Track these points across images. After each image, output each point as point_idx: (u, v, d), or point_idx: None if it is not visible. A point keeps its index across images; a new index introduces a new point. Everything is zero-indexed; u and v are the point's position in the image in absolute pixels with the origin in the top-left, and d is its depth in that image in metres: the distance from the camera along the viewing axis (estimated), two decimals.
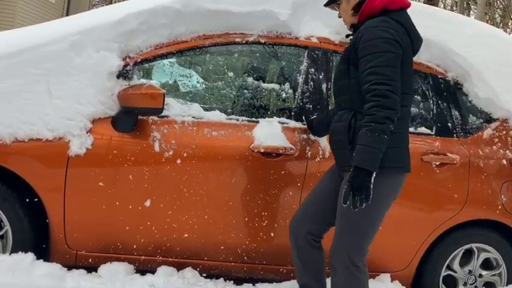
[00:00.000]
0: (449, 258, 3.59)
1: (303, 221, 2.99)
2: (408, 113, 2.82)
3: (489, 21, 18.91)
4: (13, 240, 3.13)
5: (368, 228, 2.73)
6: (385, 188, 2.69)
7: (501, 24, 20.41)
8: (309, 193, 3.09)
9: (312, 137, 3.41)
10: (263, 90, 3.55)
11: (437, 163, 3.52)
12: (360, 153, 2.56)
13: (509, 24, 20.99)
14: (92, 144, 3.15)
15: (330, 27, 3.62)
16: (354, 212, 2.60)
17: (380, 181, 2.60)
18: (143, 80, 3.40)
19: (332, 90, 3.26)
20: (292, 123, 3.43)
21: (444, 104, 3.69)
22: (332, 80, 3.08)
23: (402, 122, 2.71)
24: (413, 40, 2.78)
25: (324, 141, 3.39)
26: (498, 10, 21.08)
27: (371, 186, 2.54)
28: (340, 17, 2.97)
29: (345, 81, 2.77)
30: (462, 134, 3.66)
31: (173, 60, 3.63)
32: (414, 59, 3.66)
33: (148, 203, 3.22)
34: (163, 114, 3.22)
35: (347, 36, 3.04)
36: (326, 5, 3.04)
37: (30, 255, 3.07)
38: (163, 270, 3.27)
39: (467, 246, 3.60)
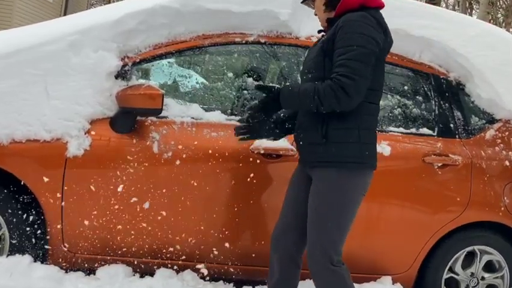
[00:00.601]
0: (451, 260, 3.55)
1: (283, 234, 2.90)
2: (377, 110, 2.77)
3: (491, 20, 18.86)
4: (10, 242, 3.10)
5: (339, 226, 2.68)
6: (349, 183, 2.66)
7: (504, 24, 20.35)
8: (282, 206, 2.97)
9: None
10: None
11: (439, 164, 3.49)
12: (292, 91, 2.66)
13: None
14: (90, 145, 3.13)
15: None
16: (324, 213, 2.65)
17: (343, 176, 2.63)
18: (142, 81, 3.37)
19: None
20: None
21: (447, 104, 3.65)
22: (300, 72, 3.01)
23: (369, 118, 2.70)
24: (388, 39, 2.75)
25: None
26: (501, 9, 21.03)
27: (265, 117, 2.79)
28: (316, 14, 2.92)
29: (320, 73, 2.69)
30: (464, 135, 3.62)
31: (172, 60, 3.61)
32: (416, 59, 3.68)
33: (146, 205, 3.20)
34: (162, 115, 3.19)
35: (319, 31, 2.97)
36: (302, 2, 2.99)
37: (27, 258, 3.06)
38: (162, 272, 3.25)
39: (469, 249, 3.57)
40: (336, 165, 2.65)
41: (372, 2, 2.71)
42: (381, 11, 2.77)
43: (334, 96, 2.52)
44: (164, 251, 3.28)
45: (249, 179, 3.28)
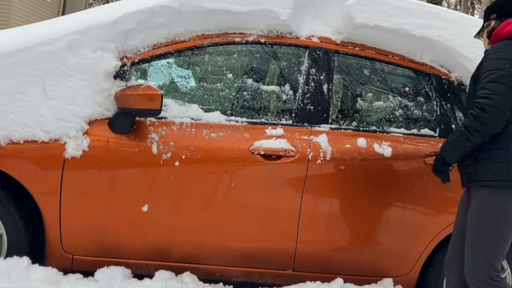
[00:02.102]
0: None
1: (453, 257, 3.01)
2: None
3: None
4: (8, 243, 3.07)
5: (493, 245, 2.80)
6: (500, 202, 2.77)
7: None
8: (452, 228, 3.10)
9: (313, 138, 3.35)
10: (263, 91, 3.49)
11: None
12: (443, 145, 2.96)
13: None
14: (89, 146, 3.10)
15: (331, 27, 3.57)
16: (477, 232, 2.82)
17: (493, 195, 2.78)
18: (140, 81, 3.35)
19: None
20: None
21: (448, 105, 3.62)
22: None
23: None
24: None
25: (325, 144, 3.33)
26: None
27: (447, 172, 2.98)
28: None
29: (472, 100, 2.87)
30: None
31: (171, 60, 3.59)
32: (417, 59, 3.66)
33: (145, 206, 3.17)
34: (161, 115, 3.17)
35: None
36: (475, 36, 3.17)
37: (25, 259, 3.03)
38: (161, 274, 3.22)
39: None
40: (485, 184, 2.81)
41: None
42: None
43: (475, 118, 2.75)
44: (163, 252, 3.25)
45: (248, 180, 3.26)
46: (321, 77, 3.46)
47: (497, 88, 2.73)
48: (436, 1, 12.54)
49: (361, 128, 3.50)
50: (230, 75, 3.51)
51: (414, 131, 3.56)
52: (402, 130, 3.54)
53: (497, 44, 2.88)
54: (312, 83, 3.44)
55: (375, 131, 3.50)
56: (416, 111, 3.62)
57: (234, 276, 3.36)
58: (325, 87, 3.45)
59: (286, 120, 3.41)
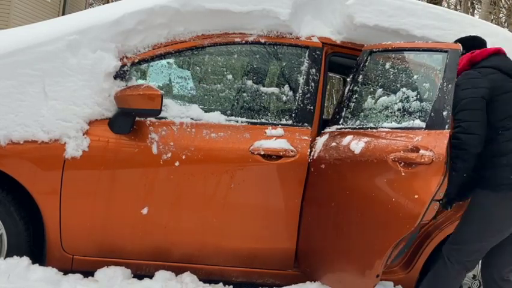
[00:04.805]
0: None
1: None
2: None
3: (493, 20, 18.80)
4: (8, 244, 3.07)
5: (468, 239, 3.06)
6: (481, 208, 3.02)
7: (506, 24, 20.30)
8: None
9: (314, 138, 3.35)
10: (263, 92, 3.49)
11: None
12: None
13: None
14: (89, 146, 3.10)
15: (331, 27, 3.57)
16: (464, 223, 3.11)
17: (477, 201, 3.04)
18: (140, 81, 3.35)
19: None
20: None
21: None
22: None
23: (506, 145, 2.97)
24: (510, 73, 3.07)
25: (325, 144, 3.32)
26: (503, 9, 20.97)
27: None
28: None
29: None
30: None
31: (171, 60, 3.59)
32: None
33: (145, 206, 3.17)
34: (161, 115, 3.17)
35: None
36: None
37: (25, 260, 3.03)
38: (161, 274, 3.22)
39: None
40: None
41: (476, 58, 3.11)
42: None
43: (454, 151, 2.88)
44: (163, 252, 3.25)
45: (248, 180, 3.26)
46: (321, 77, 3.45)
47: (464, 115, 2.92)
48: (436, 1, 12.52)
49: (364, 127, 3.44)
50: (230, 76, 3.51)
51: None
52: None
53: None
54: (312, 83, 3.43)
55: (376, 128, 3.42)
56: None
57: (234, 276, 3.36)
58: (326, 87, 3.44)
59: (286, 120, 3.41)
